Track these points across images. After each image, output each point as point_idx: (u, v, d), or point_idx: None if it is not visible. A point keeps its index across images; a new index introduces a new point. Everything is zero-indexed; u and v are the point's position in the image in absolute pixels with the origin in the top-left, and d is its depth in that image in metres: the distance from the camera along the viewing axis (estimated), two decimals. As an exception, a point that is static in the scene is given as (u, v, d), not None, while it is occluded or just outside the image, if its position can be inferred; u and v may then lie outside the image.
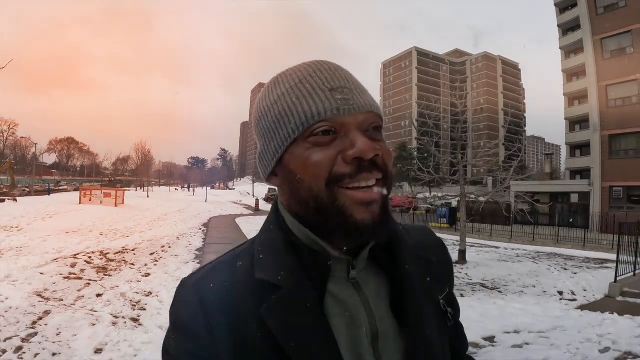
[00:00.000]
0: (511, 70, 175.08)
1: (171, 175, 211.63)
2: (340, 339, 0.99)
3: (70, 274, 12.67)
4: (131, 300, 10.43)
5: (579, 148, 45.20)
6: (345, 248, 1.03)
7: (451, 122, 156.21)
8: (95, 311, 9.36)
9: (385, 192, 1.02)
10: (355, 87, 1.05)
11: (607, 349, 7.98)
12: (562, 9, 44.61)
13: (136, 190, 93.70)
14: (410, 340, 1.06)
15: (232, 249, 1.16)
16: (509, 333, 8.92)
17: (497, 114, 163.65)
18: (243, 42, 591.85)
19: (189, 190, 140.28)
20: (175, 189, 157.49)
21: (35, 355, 6.91)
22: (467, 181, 20.43)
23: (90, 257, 15.47)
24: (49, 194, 63.16)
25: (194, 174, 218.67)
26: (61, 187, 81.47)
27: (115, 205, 44.01)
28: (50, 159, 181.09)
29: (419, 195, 22.84)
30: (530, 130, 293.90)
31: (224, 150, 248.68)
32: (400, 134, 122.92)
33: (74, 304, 9.72)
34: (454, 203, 29.98)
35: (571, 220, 36.75)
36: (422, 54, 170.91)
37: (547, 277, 15.55)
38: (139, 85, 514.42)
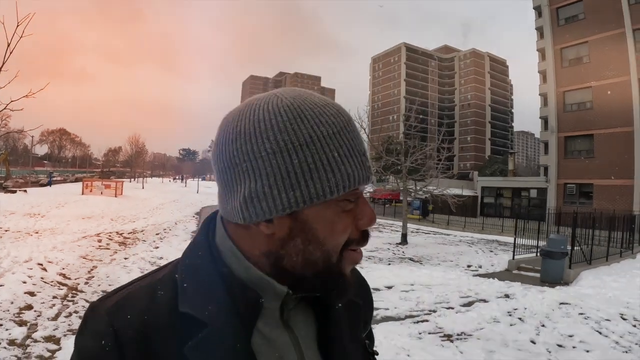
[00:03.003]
0: (499, 67, 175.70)
1: (163, 167, 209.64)
2: None
3: (99, 246, 16.51)
4: (149, 261, 14.34)
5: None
6: (289, 289, 0.99)
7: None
8: (126, 266, 13.38)
9: None
10: None
11: (467, 297, 11.80)
12: (539, 13, 46.66)
13: (130, 181, 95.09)
14: None
15: (151, 272, 1.07)
16: (405, 284, 12.85)
17: (484, 110, 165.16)
18: (234, 33, 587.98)
19: (181, 182, 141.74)
20: (169, 181, 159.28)
21: (99, 285, 11.04)
22: (454, 175, 23.25)
23: (110, 236, 19.28)
24: (50, 185, 64.80)
25: (186, 165, 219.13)
26: (54, 179, 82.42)
27: (115, 196, 46.25)
28: (41, 150, 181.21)
29: (410, 188, 24.55)
30: (520, 125, 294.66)
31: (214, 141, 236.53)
32: (388, 128, 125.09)
33: (110, 262, 13.73)
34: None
35: (529, 213, 40.07)
36: (411, 50, 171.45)
37: (467, 256, 19.50)
38: (130, 75, 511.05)
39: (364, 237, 1.00)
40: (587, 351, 7.61)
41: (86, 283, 11.11)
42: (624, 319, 10.06)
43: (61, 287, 10.60)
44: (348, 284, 1.00)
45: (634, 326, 9.55)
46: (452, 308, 10.64)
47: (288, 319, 1.03)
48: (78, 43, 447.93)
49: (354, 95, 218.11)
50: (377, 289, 12.05)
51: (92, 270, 12.48)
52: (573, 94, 41.60)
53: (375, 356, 1.27)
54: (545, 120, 44.93)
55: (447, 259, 18.48)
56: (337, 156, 0.92)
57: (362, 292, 1.27)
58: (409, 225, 28.33)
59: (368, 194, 61.86)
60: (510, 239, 18.15)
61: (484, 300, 11.46)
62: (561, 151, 42.04)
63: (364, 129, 23.48)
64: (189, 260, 1.00)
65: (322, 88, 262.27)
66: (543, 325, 9.28)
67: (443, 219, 37.42)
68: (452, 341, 8.23)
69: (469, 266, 17.16)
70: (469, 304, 11.17)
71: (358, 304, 1.20)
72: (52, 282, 10.88)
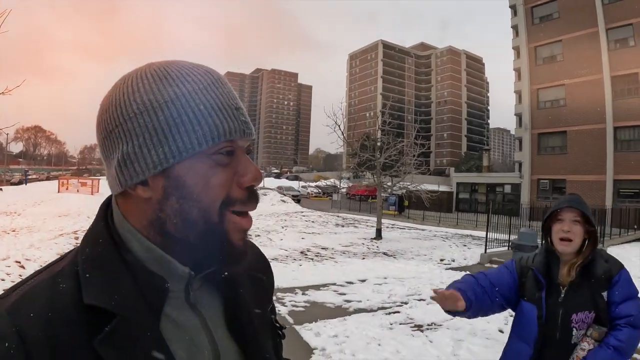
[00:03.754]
0: (475, 64, 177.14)
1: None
2: None
3: (77, 243, 16.04)
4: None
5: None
6: (190, 270, 0.98)
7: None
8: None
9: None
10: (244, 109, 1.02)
11: (438, 288, 11.98)
12: (514, 11, 47.01)
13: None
14: None
15: (50, 264, 1.00)
16: (378, 278, 13.09)
17: (460, 107, 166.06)
18: (211, 29, 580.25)
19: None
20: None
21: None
22: (428, 171, 23.38)
23: None
24: (25, 184, 64.10)
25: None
26: (30, 177, 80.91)
27: (92, 194, 45.66)
28: (16, 147, 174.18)
29: (386, 184, 24.48)
30: (495, 122, 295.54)
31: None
32: (365, 124, 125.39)
33: None
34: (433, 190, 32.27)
35: (503, 208, 40.50)
36: (388, 47, 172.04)
37: (441, 250, 19.67)
38: (106, 72, 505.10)
39: (249, 197, 0.99)
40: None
41: None
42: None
43: None
44: (238, 250, 0.99)
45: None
46: (424, 300, 10.82)
47: (194, 301, 1.02)
48: (54, 40, 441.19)
49: (331, 92, 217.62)
50: (350, 282, 12.33)
51: None
52: (547, 91, 42.27)
53: (283, 330, 1.27)
54: (519, 117, 45.38)
55: (420, 253, 18.67)
56: (204, 109, 0.92)
57: (263, 268, 1.27)
58: (384, 221, 28.50)
59: (345, 189, 62.02)
60: (484, 234, 18.45)
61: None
62: (535, 147, 42.71)
63: (339, 126, 23.47)
64: (89, 250, 0.95)
65: (299, 84, 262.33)
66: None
67: (418, 214, 37.53)
68: (422, 331, 8.46)
69: (442, 260, 17.33)
70: (441, 296, 11.39)
71: (261, 279, 1.23)
72: (30, 280, 10.94)
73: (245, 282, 1.14)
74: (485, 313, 3.01)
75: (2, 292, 0.94)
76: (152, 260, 0.95)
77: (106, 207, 1.02)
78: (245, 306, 1.10)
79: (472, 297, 2.84)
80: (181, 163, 0.91)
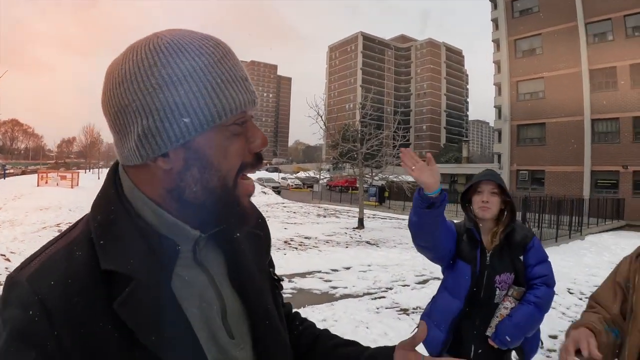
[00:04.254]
0: (455, 57, 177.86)
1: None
2: (193, 321, 1.00)
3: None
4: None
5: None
6: (200, 231, 1.05)
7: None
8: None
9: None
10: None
11: (422, 275, 12.31)
12: (494, 4, 47.01)
13: (85, 172, 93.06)
14: (255, 315, 1.14)
15: (63, 232, 1.03)
16: (362, 265, 13.34)
17: (439, 99, 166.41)
18: (190, 20, 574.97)
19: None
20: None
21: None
22: (394, 163, 23.24)
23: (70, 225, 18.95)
24: (4, 178, 63.82)
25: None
26: (7, 172, 79.21)
27: (72, 187, 44.43)
28: None
29: (366, 174, 24.48)
30: (475, 114, 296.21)
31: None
32: (345, 116, 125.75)
33: None
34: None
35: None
36: (368, 39, 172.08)
37: (423, 238, 19.99)
38: (85, 64, 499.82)
39: (257, 160, 1.07)
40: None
41: None
42: (570, 293, 10.70)
43: None
44: (247, 212, 1.08)
45: (580, 299, 10.14)
46: (408, 285, 11.09)
47: (201, 259, 1.09)
48: (32, 32, 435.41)
49: (311, 84, 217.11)
50: (335, 270, 12.56)
51: None
52: (526, 84, 42.38)
53: (281, 281, 1.37)
54: (499, 109, 45.46)
55: (402, 242, 18.84)
56: (221, 82, 0.97)
57: (261, 224, 1.35)
58: (366, 211, 28.62)
59: (325, 180, 62.09)
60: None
61: (438, 278, 11.72)
62: (514, 139, 42.90)
63: (321, 117, 23.59)
64: (101, 217, 0.99)
65: (279, 76, 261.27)
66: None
67: (399, 204, 37.71)
68: (408, 314, 8.69)
69: (424, 248, 17.57)
70: (424, 281, 11.64)
71: (260, 235, 1.31)
72: (15, 272, 10.88)
73: (245, 239, 1.22)
74: (435, 242, 3.13)
75: (21, 262, 0.99)
76: (163, 225, 1.01)
77: (114, 174, 1.07)
78: (246, 262, 1.18)
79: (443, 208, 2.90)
80: (202, 135, 0.97)
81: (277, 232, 20.22)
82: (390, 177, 24.36)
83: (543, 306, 3.13)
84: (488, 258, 3.17)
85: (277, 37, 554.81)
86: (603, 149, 36.81)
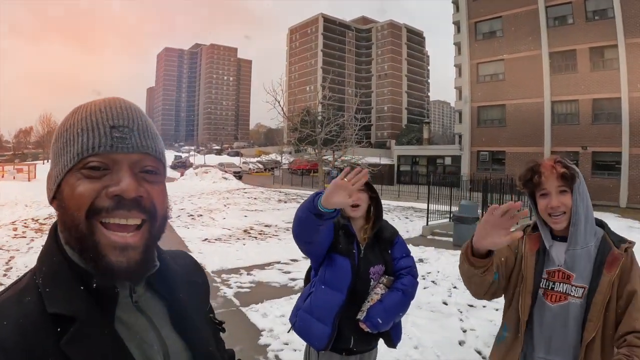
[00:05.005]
0: (416, 38, 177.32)
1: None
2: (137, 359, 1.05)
3: (15, 235, 15.53)
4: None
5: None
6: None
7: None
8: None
9: (150, 236, 1.10)
10: (140, 128, 1.11)
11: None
12: None
13: (43, 163, 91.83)
14: (197, 354, 1.20)
15: (11, 284, 1.10)
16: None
17: (401, 80, 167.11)
18: (147, 5, 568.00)
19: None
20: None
21: (17, 276, 10.76)
22: (370, 144, 23.12)
23: (25, 223, 18.25)
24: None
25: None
26: None
27: (29, 180, 43.89)
28: None
29: (327, 158, 24.64)
30: (436, 95, 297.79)
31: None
32: (306, 98, 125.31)
33: (28, 252, 12.94)
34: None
35: (444, 180, 41.01)
36: (329, 21, 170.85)
37: (382, 223, 19.78)
38: (37, 50, 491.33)
39: (116, 205, 1.04)
40: (497, 310, 7.91)
41: (5, 275, 10.46)
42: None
43: None
44: (120, 269, 1.04)
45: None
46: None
47: (140, 303, 1.16)
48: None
49: (271, 66, 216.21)
50: (295, 260, 12.28)
51: (9, 261, 11.84)
52: (486, 66, 42.60)
53: (223, 324, 1.44)
54: (459, 91, 45.90)
55: (364, 227, 18.58)
56: (80, 130, 1.07)
57: (199, 273, 1.46)
58: (327, 195, 28.23)
59: (287, 164, 61.84)
60: (426, 206, 18.52)
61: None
62: (474, 120, 43.25)
63: (278, 102, 23.18)
64: (46, 268, 1.07)
65: (239, 59, 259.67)
66: (455, 287, 9.59)
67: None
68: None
69: (384, 233, 17.37)
70: (385, 270, 11.37)
71: (198, 282, 1.41)
72: (-33, 277, 10.28)
73: (183, 286, 1.28)
74: (316, 239, 3.07)
75: None
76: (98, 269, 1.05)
77: (55, 230, 1.14)
78: (187, 307, 1.24)
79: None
80: (64, 179, 1.07)
81: (237, 220, 19.94)
82: (352, 158, 24.16)
83: (410, 293, 3.41)
84: (363, 251, 3.37)
85: (238, 19, 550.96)
86: (563, 130, 37.27)
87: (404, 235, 16.76)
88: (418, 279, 3.57)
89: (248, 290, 9.52)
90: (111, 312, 1.06)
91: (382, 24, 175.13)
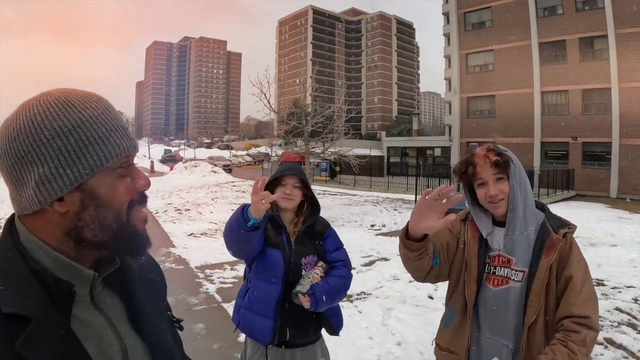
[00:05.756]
0: (406, 30, 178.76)
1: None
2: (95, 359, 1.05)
3: None
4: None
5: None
6: (95, 272, 1.14)
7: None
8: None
9: None
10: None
11: (369, 256, 11.93)
12: None
13: None
14: (156, 352, 1.23)
15: None
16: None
17: (391, 71, 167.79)
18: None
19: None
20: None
21: None
22: (360, 136, 22.85)
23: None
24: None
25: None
26: None
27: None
28: None
29: (315, 150, 24.12)
30: (426, 86, 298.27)
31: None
32: (295, 90, 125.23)
33: None
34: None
35: (434, 171, 41.05)
36: (318, 13, 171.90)
37: (372, 215, 19.61)
38: (22, 46, 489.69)
39: (143, 198, 1.19)
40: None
41: None
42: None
43: None
44: (144, 240, 1.18)
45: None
46: (354, 268, 10.62)
47: (98, 302, 1.17)
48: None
49: (260, 59, 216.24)
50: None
51: None
52: (476, 56, 42.41)
53: (180, 322, 1.47)
54: (449, 82, 45.58)
55: (351, 220, 18.53)
56: (106, 131, 1.09)
57: (156, 271, 1.45)
58: (316, 187, 28.16)
59: (277, 157, 61.78)
60: (413, 197, 18.37)
61: (385, 259, 11.56)
62: (464, 111, 43.15)
63: (264, 94, 22.87)
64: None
65: (228, 52, 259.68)
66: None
67: (350, 179, 37.29)
68: (351, 301, 8.22)
69: (372, 225, 17.24)
70: (370, 263, 11.26)
71: (154, 280, 1.40)
72: None
73: (140, 285, 1.28)
74: (251, 246, 3.18)
75: None
76: (59, 268, 1.08)
77: (9, 225, 1.14)
78: (144, 305, 1.25)
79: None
80: (93, 178, 1.08)
81: (224, 214, 19.67)
82: (340, 150, 24.01)
83: (347, 283, 3.40)
84: (293, 243, 3.36)
85: (227, 11, 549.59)
86: (553, 120, 37.20)
87: (391, 227, 16.75)
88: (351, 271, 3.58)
89: (231, 285, 9.31)
90: (68, 311, 1.05)
91: (372, 15, 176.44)
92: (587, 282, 2.36)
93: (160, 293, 1.42)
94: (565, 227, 2.47)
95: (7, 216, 1.22)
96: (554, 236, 2.42)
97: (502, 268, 2.51)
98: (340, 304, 7.92)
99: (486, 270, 2.57)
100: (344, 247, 3.63)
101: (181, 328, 1.47)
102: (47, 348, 0.96)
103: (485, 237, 2.59)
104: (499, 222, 2.58)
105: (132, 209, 1.15)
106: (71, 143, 1.04)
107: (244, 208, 2.92)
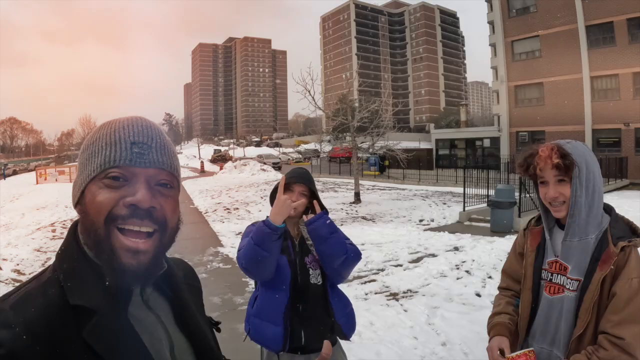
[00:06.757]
0: (449, 19, 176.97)
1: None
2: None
3: (53, 236, 15.83)
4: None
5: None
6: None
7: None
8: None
9: (160, 244, 1.21)
10: (158, 146, 1.23)
11: (416, 252, 11.83)
12: None
13: None
14: (199, 352, 1.33)
15: (33, 277, 1.19)
16: (356, 245, 12.74)
17: (436, 62, 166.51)
18: (177, 2, 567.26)
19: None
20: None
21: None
22: (408, 129, 22.68)
23: (64, 224, 18.49)
24: (4, 178, 62.93)
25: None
26: (12, 169, 79.09)
27: (70, 181, 42.87)
28: None
29: (362, 145, 24.12)
30: (473, 76, 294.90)
31: (168, 114, 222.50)
32: (342, 86, 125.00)
33: None
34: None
35: (483, 162, 40.47)
36: (360, 7, 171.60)
37: (420, 210, 19.47)
38: (74, 54, 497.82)
39: (131, 214, 1.15)
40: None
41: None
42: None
43: (15, 283, 10.10)
44: (132, 272, 1.15)
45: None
46: (400, 265, 10.60)
47: (149, 301, 1.26)
48: (16, 27, 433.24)
49: (306, 55, 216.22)
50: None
51: (45, 262, 12.02)
52: (521, 43, 41.80)
53: (219, 325, 1.56)
54: (495, 70, 44.86)
55: (399, 215, 18.43)
56: (104, 144, 1.19)
57: (196, 279, 1.58)
58: (365, 182, 28.08)
59: (325, 153, 61.87)
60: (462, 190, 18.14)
61: (433, 255, 11.49)
62: (512, 100, 42.49)
63: (308, 91, 22.87)
64: (66, 265, 1.15)
65: (273, 50, 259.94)
66: (490, 277, 9.27)
67: (399, 173, 36.86)
68: (397, 299, 8.19)
69: (420, 220, 17.17)
70: (418, 259, 11.17)
71: (196, 286, 1.54)
72: (6, 280, 10.55)
73: (185, 289, 1.39)
74: (273, 262, 3.21)
75: None
76: (115, 268, 1.14)
77: (74, 229, 1.24)
78: (189, 307, 1.36)
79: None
80: (87, 187, 1.18)
81: (272, 212, 19.87)
82: (390, 144, 23.91)
83: (354, 252, 3.37)
84: (297, 245, 3.42)
85: (270, 10, 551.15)
86: (603, 106, 36.24)
87: (440, 221, 16.64)
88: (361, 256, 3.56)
89: (277, 286, 9.32)
90: (125, 307, 1.15)
91: (415, 6, 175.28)
92: (635, 302, 2.20)
93: (200, 297, 1.55)
94: (626, 238, 2.31)
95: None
96: (612, 249, 2.28)
97: (559, 275, 2.45)
98: (386, 302, 7.90)
99: (543, 277, 2.52)
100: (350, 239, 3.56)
101: (219, 330, 1.55)
102: (109, 336, 1.07)
103: (547, 239, 2.53)
104: (561, 224, 2.49)
105: (112, 223, 1.14)
106: (84, 156, 1.21)
107: (263, 223, 3.04)
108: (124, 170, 1.17)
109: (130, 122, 1.24)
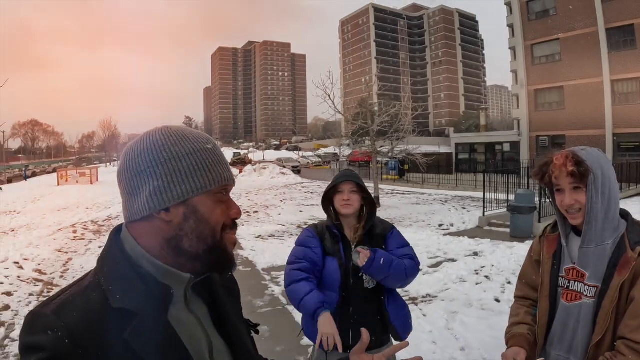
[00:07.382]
0: (468, 22, 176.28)
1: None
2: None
3: (74, 237, 16.12)
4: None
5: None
6: (191, 275, 1.29)
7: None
8: (100, 254, 13.16)
9: None
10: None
11: (435, 257, 11.85)
12: None
13: (106, 166, 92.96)
14: (237, 353, 1.40)
15: (74, 282, 1.25)
16: (375, 248, 12.81)
17: (456, 66, 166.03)
18: (199, 4, 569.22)
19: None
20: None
21: (73, 277, 10.81)
22: (429, 133, 22.59)
23: (85, 225, 18.87)
24: (25, 179, 63.42)
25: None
26: (34, 171, 79.74)
27: (91, 183, 45.07)
28: (14, 143, 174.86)
29: (382, 149, 24.10)
30: (493, 80, 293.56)
31: (188, 117, 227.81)
32: (361, 89, 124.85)
33: (85, 253, 13.43)
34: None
35: (503, 167, 40.21)
36: (379, 11, 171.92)
37: (440, 215, 19.43)
38: (94, 58, 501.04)
39: (234, 225, 1.34)
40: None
41: (61, 277, 10.90)
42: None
43: (37, 283, 10.39)
44: (230, 259, 1.33)
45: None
46: (420, 270, 10.58)
47: (190, 303, 1.31)
48: (36, 31, 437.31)
49: (325, 59, 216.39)
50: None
51: (67, 263, 12.26)
52: (541, 46, 41.45)
53: (257, 327, 1.62)
54: (515, 74, 44.57)
55: (419, 220, 18.41)
56: (212, 162, 1.27)
57: (234, 281, 1.61)
58: (385, 186, 28.04)
59: (345, 157, 61.75)
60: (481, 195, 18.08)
61: (452, 260, 11.48)
62: (532, 104, 42.16)
63: (328, 96, 22.94)
64: (107, 268, 1.21)
65: (292, 54, 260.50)
66: (509, 282, 9.23)
67: (418, 178, 36.75)
68: (416, 304, 8.22)
69: (440, 225, 17.14)
70: (437, 264, 11.16)
71: (234, 289, 1.58)
72: (28, 279, 10.66)
73: (222, 292, 1.46)
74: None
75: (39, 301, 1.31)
76: (159, 273, 1.23)
77: (115, 235, 1.30)
78: (226, 309, 1.43)
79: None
80: (197, 196, 1.24)
81: (292, 216, 20.06)
82: (409, 148, 23.92)
83: (409, 271, 3.39)
84: (354, 249, 3.37)
85: (289, 14, 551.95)
86: (625, 110, 35.84)
87: (459, 226, 16.59)
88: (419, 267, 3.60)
89: (297, 289, 9.37)
90: (166, 309, 1.21)
91: (434, 10, 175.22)
92: None
93: (238, 300, 1.60)
94: None
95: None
96: (630, 254, 2.28)
97: (576, 282, 2.45)
98: (405, 306, 7.91)
99: (560, 285, 2.53)
100: (409, 245, 3.63)
101: (257, 332, 1.62)
102: (150, 337, 1.12)
103: (564, 245, 2.53)
104: (577, 230, 2.49)
105: (225, 230, 1.30)
106: (183, 166, 1.23)
107: (317, 311, 3.10)
108: (228, 187, 1.33)
109: (215, 143, 1.35)
